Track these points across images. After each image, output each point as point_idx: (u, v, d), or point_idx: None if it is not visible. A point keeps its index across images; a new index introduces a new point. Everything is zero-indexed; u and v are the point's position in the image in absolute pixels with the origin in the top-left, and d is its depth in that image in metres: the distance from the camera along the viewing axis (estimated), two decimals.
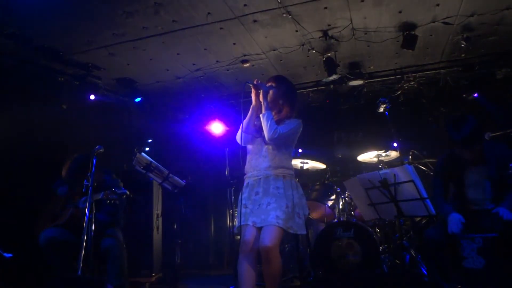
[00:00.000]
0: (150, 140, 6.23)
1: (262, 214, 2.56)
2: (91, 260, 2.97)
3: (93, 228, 3.02)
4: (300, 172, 4.75)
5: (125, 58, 4.55)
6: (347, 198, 4.49)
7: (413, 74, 5.38)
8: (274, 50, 4.56)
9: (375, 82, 5.60)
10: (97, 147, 3.18)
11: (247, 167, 2.80)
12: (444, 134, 2.91)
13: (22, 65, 4.37)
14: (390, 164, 4.52)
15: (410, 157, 4.60)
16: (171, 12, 3.66)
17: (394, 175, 3.17)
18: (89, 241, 2.94)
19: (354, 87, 5.58)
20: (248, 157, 2.84)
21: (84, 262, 2.84)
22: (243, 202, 2.70)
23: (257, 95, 2.78)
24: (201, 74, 5.14)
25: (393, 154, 4.53)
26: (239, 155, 2.83)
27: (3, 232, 3.67)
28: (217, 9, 3.65)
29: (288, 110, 2.79)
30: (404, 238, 4.06)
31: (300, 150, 4.90)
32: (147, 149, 6.09)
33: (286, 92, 2.83)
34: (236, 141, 2.85)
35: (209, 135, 6.06)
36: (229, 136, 5.42)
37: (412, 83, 5.54)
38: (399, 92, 5.76)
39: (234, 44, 4.37)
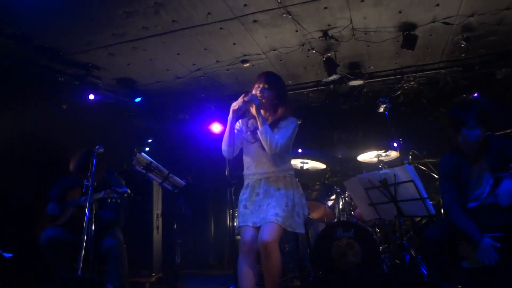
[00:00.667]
0: (150, 140, 6.23)
1: (262, 214, 2.57)
2: (91, 260, 2.97)
3: (93, 228, 3.02)
4: (300, 172, 4.75)
5: (125, 58, 4.55)
6: (347, 198, 4.49)
7: (413, 74, 5.38)
8: (274, 50, 4.56)
9: (375, 82, 5.60)
10: (97, 147, 3.18)
11: (247, 172, 2.79)
12: (444, 134, 2.88)
13: (22, 65, 4.37)
14: (390, 164, 4.53)
15: (410, 157, 4.60)
16: (171, 12, 3.66)
17: (394, 175, 3.17)
18: (89, 241, 2.94)
19: (354, 87, 5.58)
20: (247, 161, 2.79)
21: (84, 262, 2.84)
22: (244, 203, 2.70)
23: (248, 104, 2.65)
24: (201, 74, 5.14)
25: (393, 154, 4.54)
26: (239, 155, 2.83)
27: (3, 232, 3.67)
28: (217, 9, 3.65)
29: (283, 109, 2.75)
30: (404, 238, 4.06)
31: (300, 150, 4.91)
32: (147, 149, 6.10)
33: (280, 91, 2.75)
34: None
35: (209, 135, 6.07)
36: None
37: (412, 83, 5.55)
38: (399, 92, 5.76)
39: (234, 44, 4.37)
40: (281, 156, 2.68)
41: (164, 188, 4.10)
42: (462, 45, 4.38)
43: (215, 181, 6.52)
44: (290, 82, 5.60)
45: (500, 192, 2.55)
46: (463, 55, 4.88)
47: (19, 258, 3.14)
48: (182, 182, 3.99)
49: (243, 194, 2.75)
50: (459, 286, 2.68)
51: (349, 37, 4.29)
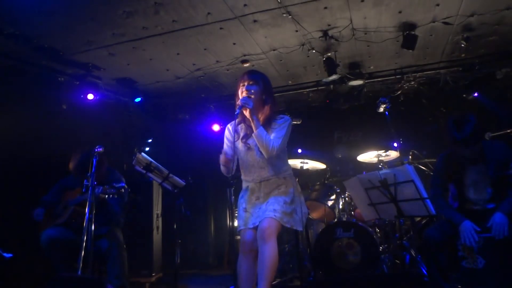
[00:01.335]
0: (150, 140, 6.23)
1: (261, 213, 2.58)
2: (91, 260, 2.97)
3: (93, 228, 3.01)
4: (300, 172, 4.74)
5: (125, 58, 4.55)
6: (347, 198, 4.49)
7: (413, 74, 5.38)
8: (274, 50, 4.56)
9: (375, 82, 5.60)
10: (97, 147, 3.18)
11: (245, 178, 2.79)
12: (444, 134, 2.91)
13: (22, 65, 4.37)
14: (390, 164, 4.53)
15: (410, 157, 4.61)
16: (171, 12, 3.66)
17: (394, 175, 3.18)
18: (89, 241, 2.94)
19: (354, 87, 5.58)
20: (244, 167, 2.77)
21: (84, 262, 2.85)
22: (244, 206, 2.71)
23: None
24: (201, 74, 5.14)
25: (393, 154, 4.54)
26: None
27: (3, 232, 3.67)
28: (217, 9, 3.65)
29: (271, 104, 2.71)
30: (404, 238, 4.06)
31: (300, 150, 4.91)
32: (147, 149, 6.09)
33: (266, 85, 2.72)
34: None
35: (209, 135, 6.06)
36: None
37: (412, 83, 5.54)
38: (399, 92, 5.76)
39: (234, 44, 4.37)
40: (278, 156, 2.68)
41: (164, 188, 4.10)
42: (462, 45, 4.37)
43: (215, 181, 6.52)
44: (290, 82, 5.60)
45: (493, 226, 2.63)
46: (463, 55, 4.87)
47: (19, 258, 3.13)
48: (182, 182, 3.99)
49: (242, 197, 2.77)
50: (459, 286, 2.70)
51: (349, 37, 4.28)
